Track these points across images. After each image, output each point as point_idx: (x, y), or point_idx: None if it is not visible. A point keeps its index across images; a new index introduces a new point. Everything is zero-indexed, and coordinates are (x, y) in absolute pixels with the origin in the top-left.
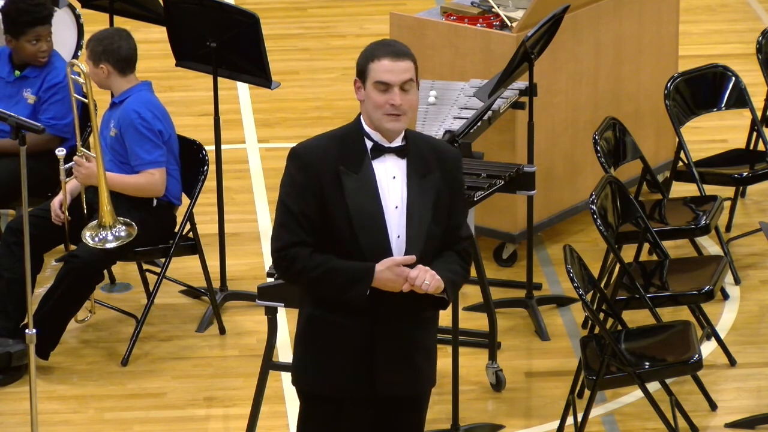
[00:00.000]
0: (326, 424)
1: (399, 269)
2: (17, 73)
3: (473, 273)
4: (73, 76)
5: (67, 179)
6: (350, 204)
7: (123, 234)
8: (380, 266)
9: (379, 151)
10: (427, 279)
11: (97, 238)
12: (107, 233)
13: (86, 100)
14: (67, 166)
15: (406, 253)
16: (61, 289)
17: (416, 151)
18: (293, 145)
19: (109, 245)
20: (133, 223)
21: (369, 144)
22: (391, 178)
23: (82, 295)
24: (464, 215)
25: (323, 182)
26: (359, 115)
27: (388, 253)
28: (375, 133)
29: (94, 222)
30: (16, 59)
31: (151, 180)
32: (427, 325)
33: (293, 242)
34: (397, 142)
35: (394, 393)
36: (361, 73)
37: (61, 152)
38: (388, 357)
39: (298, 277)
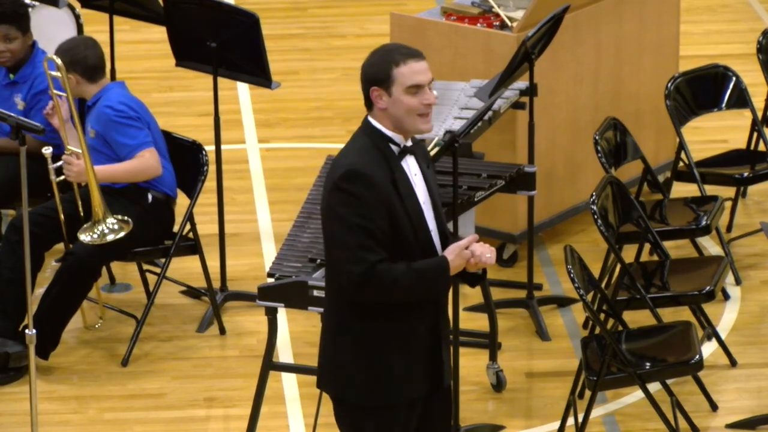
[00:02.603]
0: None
1: (465, 252)
2: (11, 76)
3: None
4: (50, 72)
5: (57, 179)
6: (408, 208)
7: (116, 227)
8: (450, 255)
9: (405, 152)
10: (487, 252)
11: (95, 235)
12: (102, 227)
13: (64, 94)
14: (55, 165)
15: (441, 245)
16: (57, 288)
17: (415, 146)
18: (294, 145)
19: (108, 238)
20: (128, 218)
21: (395, 148)
22: (414, 175)
23: (79, 293)
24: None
25: (389, 194)
26: (367, 122)
27: (435, 246)
28: (398, 136)
29: (88, 223)
30: None
31: (143, 161)
32: None
33: (377, 260)
34: (410, 141)
35: (448, 382)
36: (383, 81)
37: (47, 151)
38: (446, 346)
39: (391, 291)
